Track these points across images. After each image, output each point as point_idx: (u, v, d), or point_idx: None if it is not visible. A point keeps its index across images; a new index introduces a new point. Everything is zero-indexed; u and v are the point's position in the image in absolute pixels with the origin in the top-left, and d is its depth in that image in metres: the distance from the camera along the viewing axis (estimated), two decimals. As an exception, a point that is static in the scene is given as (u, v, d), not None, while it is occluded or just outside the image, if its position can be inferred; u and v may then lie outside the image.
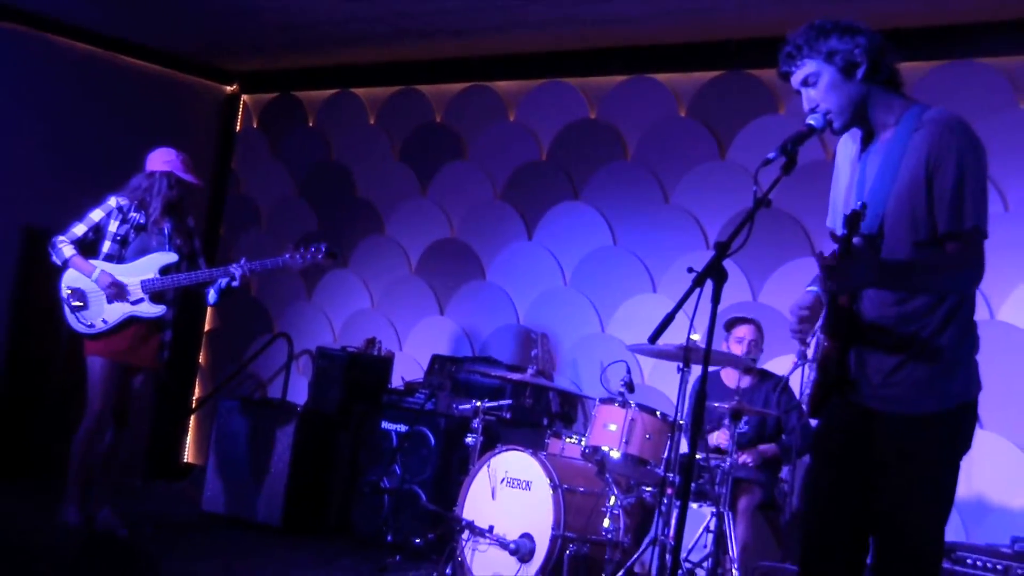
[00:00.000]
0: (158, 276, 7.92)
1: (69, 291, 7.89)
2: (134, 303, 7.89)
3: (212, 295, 8.03)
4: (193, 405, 12.26)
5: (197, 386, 12.37)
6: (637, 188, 9.64)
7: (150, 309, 7.92)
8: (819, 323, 4.24)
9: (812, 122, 4.14)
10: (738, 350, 7.82)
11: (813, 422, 4.40)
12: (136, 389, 8.11)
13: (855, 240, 4.01)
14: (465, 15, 9.54)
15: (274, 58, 11.82)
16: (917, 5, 7.91)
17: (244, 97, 12.62)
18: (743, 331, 7.90)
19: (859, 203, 3.96)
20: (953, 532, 7.37)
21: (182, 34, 11.30)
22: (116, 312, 7.87)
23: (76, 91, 11.31)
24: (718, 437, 7.74)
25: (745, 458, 7.62)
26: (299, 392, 10.77)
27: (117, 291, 7.82)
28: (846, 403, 4.17)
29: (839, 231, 3.97)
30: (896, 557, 4.04)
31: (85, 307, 7.87)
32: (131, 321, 7.91)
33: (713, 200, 9.19)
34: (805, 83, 4.15)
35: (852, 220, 3.90)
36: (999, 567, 6.05)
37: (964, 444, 4.10)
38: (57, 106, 11.16)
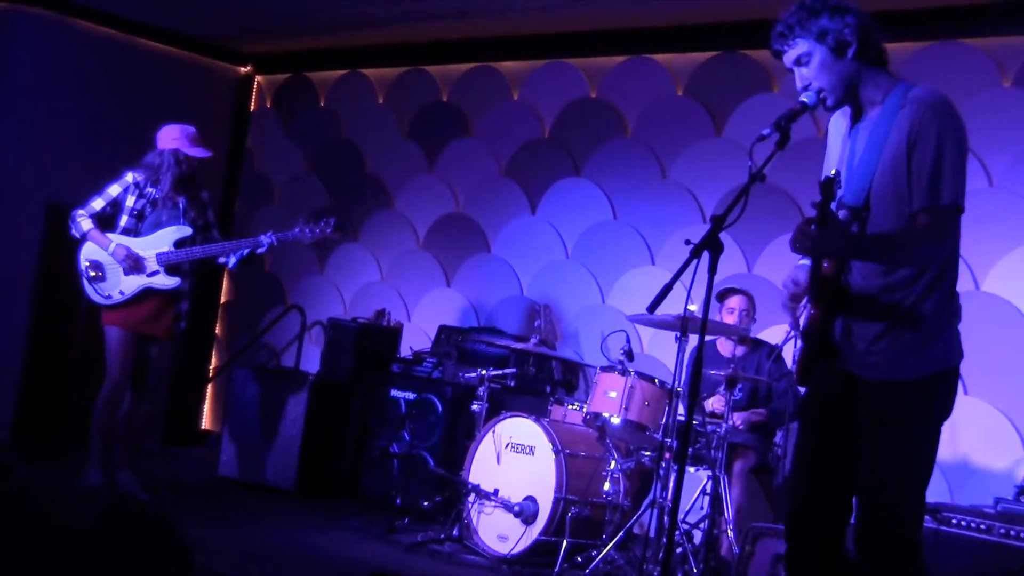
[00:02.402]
0: (173, 249, 8.03)
1: (87, 263, 8.03)
2: (150, 275, 8.00)
3: (232, 260, 8.09)
4: (210, 374, 12.35)
5: (214, 356, 12.46)
6: (636, 164, 9.70)
7: (165, 281, 8.04)
8: (810, 294, 4.31)
9: (805, 100, 4.19)
10: (730, 320, 7.88)
11: (803, 389, 4.52)
12: (152, 358, 8.23)
13: (842, 214, 4.13)
14: (471, -2, 9.64)
15: (287, 40, 11.87)
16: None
17: (258, 78, 12.69)
18: (735, 302, 7.96)
19: (833, 171, 4.06)
20: (938, 493, 7.47)
21: (199, 18, 11.35)
22: (132, 284, 7.99)
23: (98, 73, 11.39)
24: (714, 403, 7.83)
25: (736, 420, 7.68)
26: (311, 362, 10.84)
27: (133, 263, 7.94)
28: (832, 370, 4.23)
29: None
30: (878, 518, 4.09)
31: (102, 279, 8.00)
32: (147, 293, 8.03)
33: (709, 176, 9.25)
34: (798, 62, 4.21)
35: (826, 187, 3.99)
36: (983, 526, 6.04)
37: (944, 409, 4.17)
38: (80, 87, 11.26)
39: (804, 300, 4.34)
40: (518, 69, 10.69)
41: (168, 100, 11.48)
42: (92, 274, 8.02)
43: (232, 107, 12.64)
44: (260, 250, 8.10)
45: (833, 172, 4.05)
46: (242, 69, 12.67)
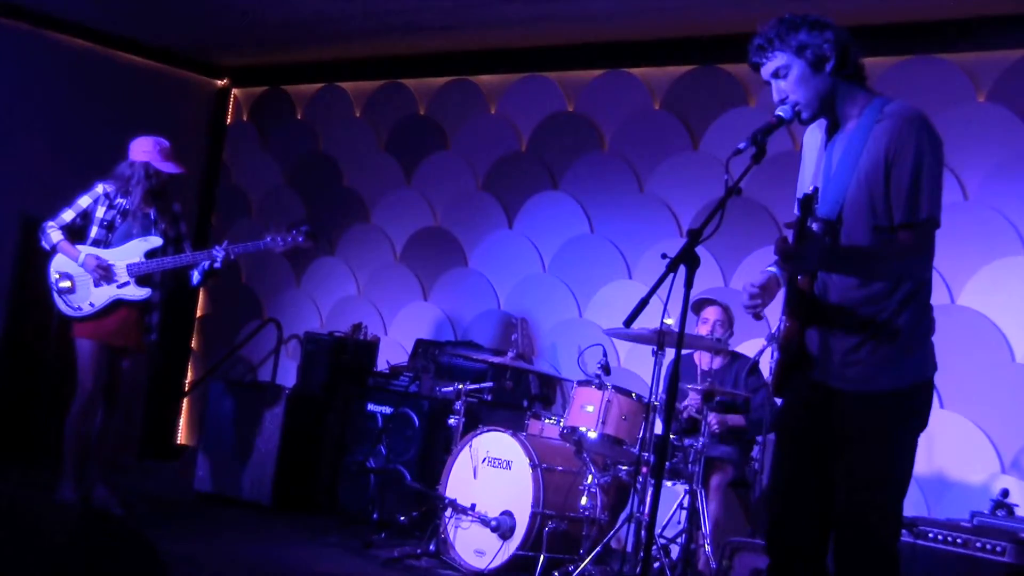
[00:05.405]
0: (143, 260, 7.98)
1: (57, 275, 7.98)
2: (120, 286, 7.95)
3: (195, 276, 8.07)
4: (186, 388, 12.30)
5: (190, 370, 12.42)
6: (613, 178, 9.73)
7: (136, 292, 7.99)
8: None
9: (781, 113, 4.21)
10: (703, 330, 7.86)
11: (779, 401, 4.52)
12: (123, 371, 8.16)
13: (815, 227, 4.11)
14: (448, 12, 9.60)
15: (264, 53, 11.87)
16: (881, 3, 8.00)
17: (235, 91, 12.67)
18: (709, 312, 7.93)
19: (811, 187, 4.07)
20: (915, 507, 7.48)
21: (175, 31, 11.35)
22: (103, 295, 7.94)
23: (73, 85, 11.38)
24: (688, 402, 7.71)
25: (712, 420, 7.58)
26: (288, 376, 10.85)
27: (104, 273, 7.89)
28: (808, 381, 4.24)
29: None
30: (855, 530, 4.09)
31: (73, 291, 7.95)
32: (118, 304, 7.98)
33: (686, 189, 9.27)
34: (775, 75, 4.23)
35: (805, 203, 4.01)
36: (959, 540, 6.05)
37: (920, 421, 4.18)
38: (55, 100, 11.24)
39: (767, 303, 4.33)
40: (495, 83, 10.71)
41: (144, 113, 11.40)
42: (62, 286, 7.98)
43: (209, 120, 12.62)
44: (216, 265, 8.03)
45: (812, 188, 4.06)
46: (219, 82, 12.66)
